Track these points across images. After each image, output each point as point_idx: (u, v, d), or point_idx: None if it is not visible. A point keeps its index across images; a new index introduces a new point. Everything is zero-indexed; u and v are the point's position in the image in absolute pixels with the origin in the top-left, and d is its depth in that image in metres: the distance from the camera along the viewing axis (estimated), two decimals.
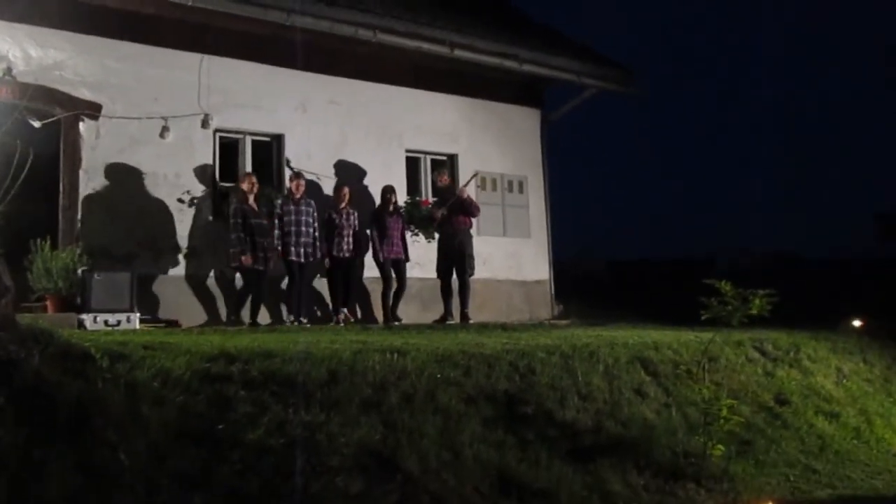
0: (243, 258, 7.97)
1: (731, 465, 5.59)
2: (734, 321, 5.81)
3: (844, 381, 8.27)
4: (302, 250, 8.47)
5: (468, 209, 9.44)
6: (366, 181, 9.67)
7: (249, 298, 8.18)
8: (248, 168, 9.03)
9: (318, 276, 9.02)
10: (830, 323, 9.78)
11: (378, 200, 9.43)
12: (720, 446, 5.53)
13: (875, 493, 5.84)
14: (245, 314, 8.14)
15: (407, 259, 9.30)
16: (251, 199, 8.23)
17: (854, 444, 7.00)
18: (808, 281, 13.74)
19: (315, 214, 8.63)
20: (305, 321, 8.43)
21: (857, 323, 10.14)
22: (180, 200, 8.45)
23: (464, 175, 10.25)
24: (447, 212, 9.41)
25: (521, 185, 11.11)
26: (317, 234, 8.62)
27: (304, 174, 8.83)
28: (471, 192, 9.84)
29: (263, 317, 8.45)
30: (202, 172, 8.63)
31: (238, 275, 8.23)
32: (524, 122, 11.28)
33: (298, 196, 8.56)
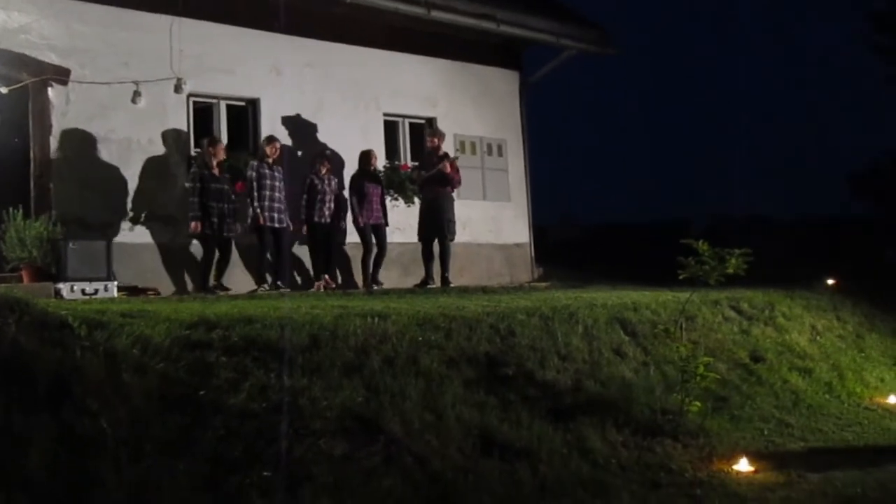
0: (192, 224, 7.88)
1: (707, 420, 5.72)
2: (711, 280, 5.90)
3: (818, 337, 8.47)
4: (276, 216, 8.39)
5: (450, 182, 9.39)
6: (344, 145, 9.56)
7: (214, 263, 8.08)
8: (224, 133, 8.89)
9: (298, 242, 8.96)
10: (804, 282, 9.96)
11: (355, 164, 9.35)
12: (697, 403, 5.65)
13: (845, 445, 6.02)
14: (216, 281, 8.07)
15: (386, 224, 9.26)
16: (214, 164, 8.09)
17: (826, 398, 7.19)
18: (782, 242, 13.95)
19: (283, 181, 8.50)
20: (285, 288, 8.40)
21: (830, 281, 10.34)
22: (154, 167, 8.32)
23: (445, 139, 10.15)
24: (428, 178, 9.34)
25: (500, 148, 11.07)
26: (285, 199, 8.48)
27: (279, 141, 8.67)
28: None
29: (244, 284, 8.40)
30: (176, 138, 8.49)
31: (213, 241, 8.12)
32: (503, 85, 11.20)
33: (272, 161, 8.45)
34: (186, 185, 8.05)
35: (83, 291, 6.90)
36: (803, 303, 9.12)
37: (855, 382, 7.72)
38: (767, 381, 7.06)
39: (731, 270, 5.83)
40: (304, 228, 8.74)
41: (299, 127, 9.34)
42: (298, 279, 9.10)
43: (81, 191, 7.84)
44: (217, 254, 8.08)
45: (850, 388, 7.54)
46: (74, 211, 7.69)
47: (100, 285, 7.03)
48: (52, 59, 7.77)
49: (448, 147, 9.91)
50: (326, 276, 8.84)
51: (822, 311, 9.15)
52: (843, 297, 9.82)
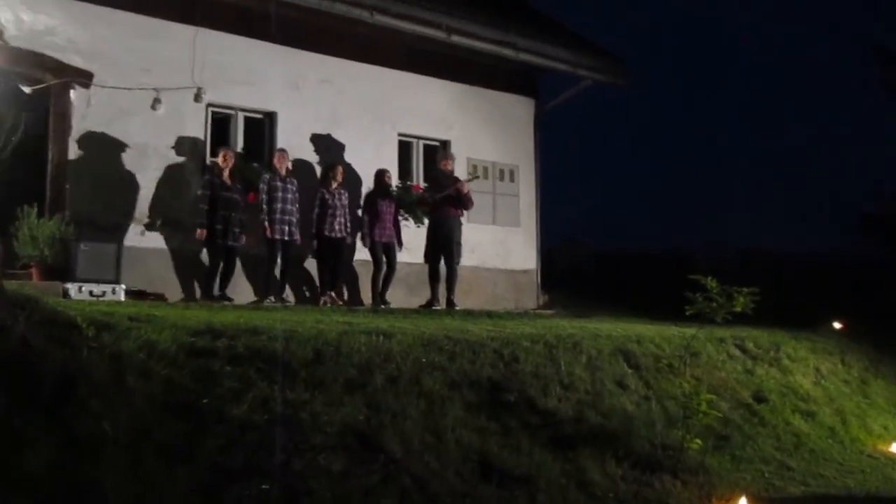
0: (198, 231, 7.93)
1: (707, 458, 5.67)
2: (718, 317, 5.88)
3: (822, 381, 8.40)
4: (287, 228, 8.43)
5: (463, 203, 9.43)
6: (357, 163, 9.63)
7: (219, 272, 8.12)
8: (240, 144, 8.97)
9: (311, 256, 8.98)
10: (809, 322, 9.90)
11: (369, 182, 9.41)
12: (698, 440, 5.61)
13: (847, 492, 5.95)
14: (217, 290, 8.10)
15: (400, 245, 9.29)
16: (226, 173, 8.17)
17: (829, 443, 7.12)
18: (786, 279, 13.87)
19: (297, 193, 8.57)
20: (290, 301, 8.41)
21: (837, 324, 10.28)
22: (169, 174, 8.39)
23: (457, 163, 10.21)
24: (440, 199, 9.39)
25: (512, 173, 11.12)
26: (298, 213, 8.55)
27: (286, 151, 8.71)
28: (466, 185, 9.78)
29: (249, 295, 8.42)
30: (192, 146, 8.57)
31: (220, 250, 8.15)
32: (518, 111, 11.27)
33: (284, 173, 8.51)
34: (199, 192, 8.12)
35: (91, 293, 6.93)
36: (809, 345, 9.06)
37: (858, 429, 7.65)
38: (770, 422, 7.00)
39: (738, 309, 5.82)
40: (315, 242, 8.77)
41: (314, 142, 9.41)
42: (307, 293, 9.11)
43: (96, 193, 7.91)
44: (221, 263, 8.11)
45: (853, 434, 7.47)
46: (88, 212, 7.75)
47: (107, 287, 7.06)
48: (75, 61, 7.88)
49: (459, 171, 9.97)
50: (332, 293, 8.84)
51: (828, 354, 9.09)
52: (849, 341, 9.76)
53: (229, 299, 7.95)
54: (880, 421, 8.07)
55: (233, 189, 8.20)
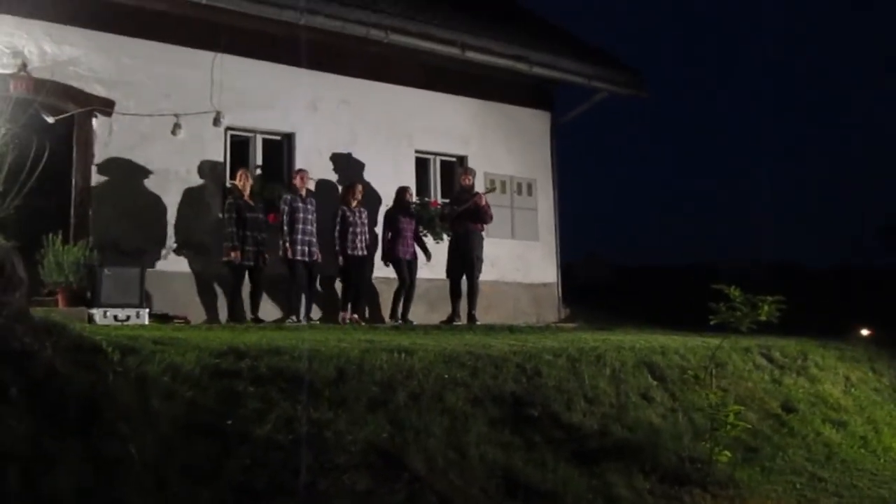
0: (233, 254, 8.00)
1: (736, 471, 5.58)
2: (743, 327, 5.80)
3: (852, 389, 8.25)
4: (307, 248, 8.48)
5: (482, 216, 9.45)
6: (375, 181, 9.69)
7: (249, 293, 8.19)
8: (258, 166, 9.07)
9: (337, 279, 9.00)
10: (836, 332, 9.74)
11: (387, 200, 9.45)
12: (726, 452, 5.52)
13: (882, 503, 5.82)
14: (247, 312, 8.17)
15: (428, 258, 9.32)
16: (247, 194, 8.26)
17: (861, 452, 6.97)
18: (811, 290, 13.70)
19: (315, 213, 8.62)
20: (314, 319, 8.45)
21: (865, 332, 10.11)
22: (190, 197, 8.50)
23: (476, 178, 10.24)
24: (459, 213, 9.40)
25: (529, 187, 11.12)
26: (315, 232, 8.60)
27: (306, 171, 8.79)
28: (486, 198, 9.80)
29: (270, 314, 8.47)
30: (212, 170, 8.68)
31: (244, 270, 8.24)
32: (534, 125, 11.29)
33: (304, 193, 8.59)
34: (223, 215, 8.20)
35: (115, 317, 7.01)
36: (837, 353, 8.91)
37: (891, 437, 7.48)
38: (800, 432, 6.87)
39: (763, 317, 5.74)
40: (341, 259, 8.79)
41: (332, 161, 9.49)
42: (330, 312, 9.13)
43: (119, 218, 8.03)
44: (250, 284, 8.18)
45: (886, 444, 7.30)
46: (111, 238, 7.87)
47: (132, 311, 7.14)
48: (98, 91, 8.04)
49: (478, 186, 9.99)
50: (355, 315, 8.82)
51: (857, 362, 8.92)
52: (878, 348, 9.58)
53: (261, 321, 7.99)
54: None
55: (256, 209, 8.30)
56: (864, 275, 17.00)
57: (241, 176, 8.31)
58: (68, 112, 7.89)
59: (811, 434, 6.92)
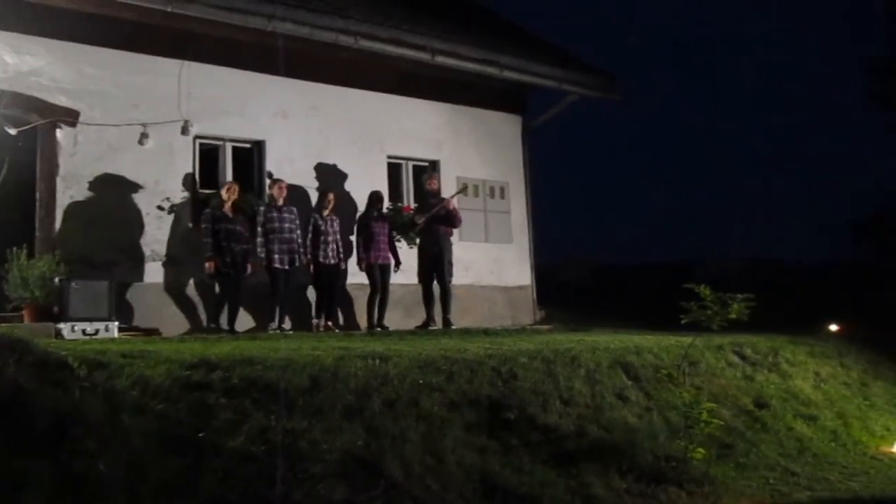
0: (207, 264, 7.93)
1: (711, 468, 5.64)
2: (714, 325, 5.88)
3: (822, 384, 8.39)
4: (286, 257, 8.43)
5: (452, 220, 9.45)
6: (348, 187, 9.65)
7: (226, 305, 8.12)
8: (229, 174, 8.98)
9: (310, 286, 8.95)
10: (807, 327, 9.91)
11: (360, 206, 9.41)
12: (701, 450, 5.58)
13: (852, 495, 5.92)
14: (224, 321, 8.09)
15: (398, 264, 9.28)
16: (227, 205, 8.19)
17: (832, 446, 7.09)
18: (784, 286, 13.92)
19: (297, 221, 8.60)
20: (288, 328, 8.39)
21: (834, 327, 10.29)
22: (160, 208, 8.38)
23: (445, 182, 10.26)
24: (430, 219, 9.40)
25: (502, 190, 11.15)
26: (300, 240, 8.59)
27: (284, 181, 8.74)
28: (454, 201, 9.83)
29: (246, 323, 8.38)
30: (182, 179, 8.57)
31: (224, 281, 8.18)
32: (506, 129, 11.33)
33: (281, 202, 8.53)
34: (203, 225, 8.09)
35: (84, 331, 6.87)
36: (807, 349, 9.06)
37: (861, 431, 7.62)
38: (772, 428, 6.97)
39: (733, 316, 5.82)
40: (311, 268, 8.75)
41: (304, 169, 9.43)
42: (303, 320, 9.07)
43: (86, 231, 7.88)
44: (227, 297, 8.10)
45: (855, 437, 7.45)
46: (79, 250, 7.72)
47: (101, 325, 7.00)
48: (61, 101, 7.90)
49: (447, 189, 9.99)
50: (329, 322, 8.79)
51: (827, 357, 9.08)
52: (847, 343, 9.76)
53: (236, 332, 7.90)
54: (882, 422, 8.05)
55: (234, 220, 8.22)
56: (832, 270, 17.31)
57: (228, 188, 8.24)
58: (31, 123, 7.74)
59: (783, 429, 7.02)
